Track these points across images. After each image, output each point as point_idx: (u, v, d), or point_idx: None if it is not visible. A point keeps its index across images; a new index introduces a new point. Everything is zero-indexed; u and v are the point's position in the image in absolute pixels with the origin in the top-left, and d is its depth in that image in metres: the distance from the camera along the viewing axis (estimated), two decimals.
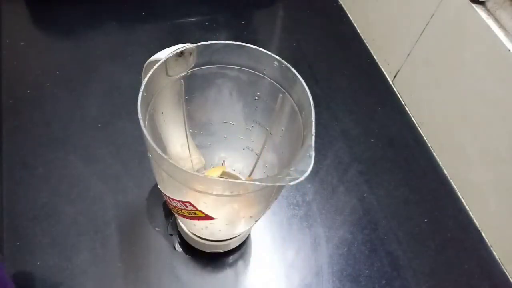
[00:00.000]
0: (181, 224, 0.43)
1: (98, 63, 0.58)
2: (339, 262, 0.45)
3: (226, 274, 0.43)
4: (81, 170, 0.48)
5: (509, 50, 0.42)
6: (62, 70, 0.56)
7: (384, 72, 0.63)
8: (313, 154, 0.28)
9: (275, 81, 0.35)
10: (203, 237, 0.42)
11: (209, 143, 0.43)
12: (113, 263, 0.42)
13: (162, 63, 0.32)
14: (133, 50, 0.60)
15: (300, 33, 0.67)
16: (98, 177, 0.47)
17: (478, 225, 0.50)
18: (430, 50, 0.54)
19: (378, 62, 0.64)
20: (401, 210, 0.50)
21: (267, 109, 0.38)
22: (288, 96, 0.35)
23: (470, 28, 0.47)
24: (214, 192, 0.30)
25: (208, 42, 0.34)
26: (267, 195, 0.34)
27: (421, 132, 0.57)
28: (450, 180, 0.53)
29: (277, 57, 0.33)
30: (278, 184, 0.27)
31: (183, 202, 0.32)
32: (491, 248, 0.48)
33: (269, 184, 0.27)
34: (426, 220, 0.50)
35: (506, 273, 0.47)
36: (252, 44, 0.34)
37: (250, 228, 0.44)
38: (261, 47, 0.34)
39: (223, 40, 0.40)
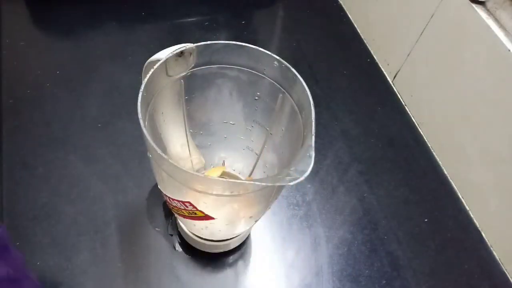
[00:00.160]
0: (181, 224, 0.43)
1: (98, 63, 0.58)
2: (339, 262, 0.45)
3: (226, 274, 0.43)
4: (81, 170, 0.48)
5: (509, 50, 0.42)
6: (62, 70, 0.56)
7: (384, 72, 0.63)
8: (313, 154, 0.28)
9: (275, 81, 0.35)
10: (203, 237, 0.42)
11: (209, 143, 0.43)
12: (113, 263, 0.42)
13: (162, 63, 0.32)
14: (133, 50, 0.60)
15: (300, 33, 0.67)
16: (98, 177, 0.47)
17: (478, 225, 0.50)
18: (430, 50, 0.54)
19: (378, 62, 0.64)
20: (401, 210, 0.50)
21: (267, 109, 0.38)
22: (288, 96, 0.35)
23: (470, 28, 0.47)
24: (214, 192, 0.30)
25: (208, 42, 0.34)
26: (267, 195, 0.34)
27: (421, 132, 0.57)
28: (450, 180, 0.53)
29: (277, 57, 0.33)
30: (278, 184, 0.27)
31: (183, 202, 0.32)
32: (491, 248, 0.48)
33: (269, 184, 0.27)
34: (426, 220, 0.50)
35: (506, 273, 0.47)
36: (252, 44, 0.34)
37: (250, 228, 0.44)
38: (261, 47, 0.34)
39: (223, 40, 0.40)
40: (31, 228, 0.43)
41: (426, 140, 0.56)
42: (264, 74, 0.35)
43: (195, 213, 0.33)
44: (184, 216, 0.35)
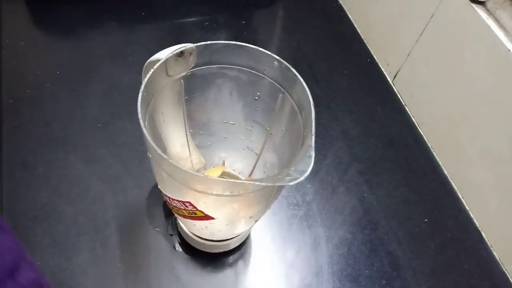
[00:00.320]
0: (181, 224, 0.43)
1: (98, 63, 0.58)
2: (339, 262, 0.45)
3: (226, 274, 0.43)
4: (81, 170, 0.48)
5: (509, 50, 0.42)
6: (62, 70, 0.56)
7: (384, 72, 0.63)
8: (313, 154, 0.28)
9: (275, 81, 0.35)
10: (203, 237, 0.42)
11: (209, 143, 0.43)
12: (113, 263, 0.42)
13: (162, 63, 0.32)
14: (133, 50, 0.60)
15: (300, 33, 0.67)
16: (98, 177, 0.47)
17: (478, 225, 0.50)
18: (430, 50, 0.54)
19: (378, 62, 0.64)
20: (401, 210, 0.50)
21: (267, 109, 0.38)
22: (288, 96, 0.35)
23: (470, 28, 0.47)
24: (214, 192, 0.30)
25: (208, 42, 0.34)
26: (267, 195, 0.34)
27: (421, 132, 0.57)
28: (450, 180, 0.53)
29: (277, 57, 0.33)
30: (278, 184, 0.27)
31: (183, 202, 0.32)
32: (491, 248, 0.48)
33: (269, 184, 0.27)
34: (426, 220, 0.50)
35: (506, 273, 0.47)
36: (252, 44, 0.34)
37: (250, 228, 0.44)
38: (261, 47, 0.34)
39: (223, 40, 0.40)
40: (31, 228, 0.43)
41: (426, 140, 0.56)
42: (264, 74, 0.35)
43: (195, 213, 0.33)
44: (184, 216, 0.35)
